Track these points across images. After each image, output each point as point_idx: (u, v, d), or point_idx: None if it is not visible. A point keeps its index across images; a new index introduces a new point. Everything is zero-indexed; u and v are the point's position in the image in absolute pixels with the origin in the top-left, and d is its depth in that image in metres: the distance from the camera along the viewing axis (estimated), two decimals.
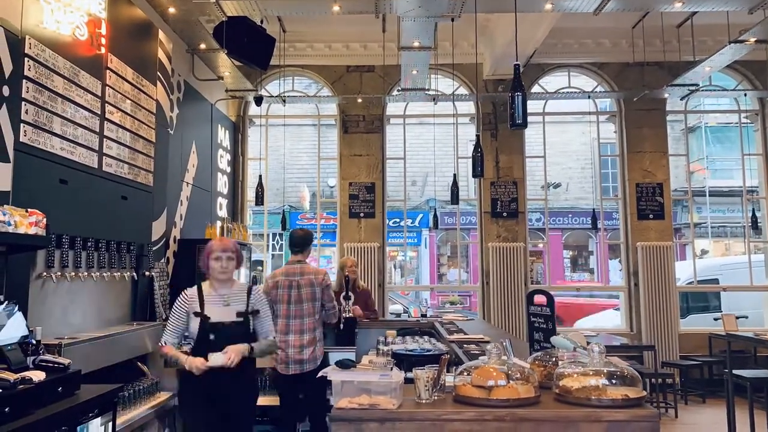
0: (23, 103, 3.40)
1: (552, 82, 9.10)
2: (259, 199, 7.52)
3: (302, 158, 16.16)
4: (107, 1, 4.35)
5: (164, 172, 5.56)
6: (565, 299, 12.94)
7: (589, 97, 8.58)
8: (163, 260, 5.57)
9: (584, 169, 17.21)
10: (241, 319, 3.43)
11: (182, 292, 3.52)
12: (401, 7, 5.36)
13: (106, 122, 4.31)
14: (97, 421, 2.91)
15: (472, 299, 15.16)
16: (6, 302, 2.79)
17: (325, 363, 4.29)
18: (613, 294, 12.00)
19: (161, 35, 5.46)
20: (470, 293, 15.71)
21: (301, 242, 4.51)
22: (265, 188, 7.68)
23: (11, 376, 2.45)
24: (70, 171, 3.82)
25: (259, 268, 12.26)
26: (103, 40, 4.26)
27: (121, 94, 4.55)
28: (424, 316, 7.12)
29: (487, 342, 3.73)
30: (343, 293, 5.02)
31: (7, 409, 2.35)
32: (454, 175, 7.26)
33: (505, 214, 8.42)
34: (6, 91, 3.30)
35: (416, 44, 6.27)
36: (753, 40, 6.28)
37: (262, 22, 6.83)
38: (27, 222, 2.94)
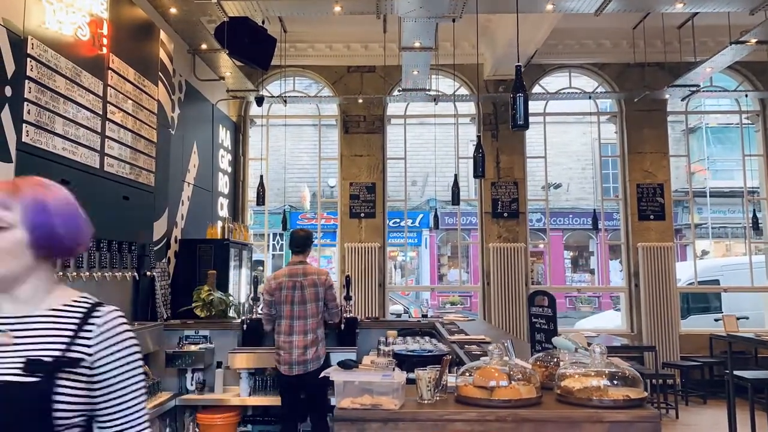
0: (25, 103, 3.41)
1: (553, 82, 9.11)
2: (260, 199, 7.52)
3: (303, 158, 16.17)
4: (109, 2, 4.36)
5: (165, 172, 5.57)
6: None
7: (589, 98, 8.60)
8: (164, 260, 5.58)
9: (585, 170, 17.22)
10: (32, 377, 1.22)
11: None
12: (402, 7, 5.36)
13: (107, 122, 4.32)
14: None
15: (472, 300, 15.17)
16: None
17: (327, 363, 4.30)
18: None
19: (163, 35, 5.47)
20: (471, 294, 15.73)
21: (302, 243, 4.53)
22: (265, 188, 7.69)
23: None
24: (71, 171, 3.83)
25: (260, 268, 12.27)
26: (105, 41, 4.28)
27: (122, 94, 4.56)
28: (424, 316, 7.12)
29: (488, 342, 3.74)
30: (344, 294, 5.04)
31: None
32: (455, 175, 7.28)
33: (505, 214, 8.42)
34: (8, 91, 3.31)
35: (417, 45, 6.27)
36: (754, 41, 6.29)
37: (263, 22, 6.84)
38: None
